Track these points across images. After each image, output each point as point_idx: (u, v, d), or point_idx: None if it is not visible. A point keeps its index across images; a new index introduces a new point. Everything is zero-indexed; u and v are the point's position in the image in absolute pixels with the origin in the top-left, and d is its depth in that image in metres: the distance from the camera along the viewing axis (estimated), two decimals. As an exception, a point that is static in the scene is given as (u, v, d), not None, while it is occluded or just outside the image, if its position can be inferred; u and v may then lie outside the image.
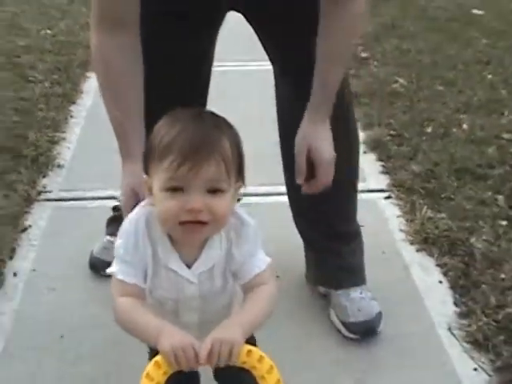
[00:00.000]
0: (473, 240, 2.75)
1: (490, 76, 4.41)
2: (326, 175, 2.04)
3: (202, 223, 1.41)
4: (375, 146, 3.52)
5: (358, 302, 2.30)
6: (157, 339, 1.37)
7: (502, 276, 2.56)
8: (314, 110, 2.04)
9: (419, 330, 2.35)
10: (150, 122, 1.58)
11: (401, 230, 2.86)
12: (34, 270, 2.62)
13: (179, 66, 2.08)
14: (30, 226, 2.88)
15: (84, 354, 2.21)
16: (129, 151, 1.84)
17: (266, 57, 2.27)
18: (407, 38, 5.17)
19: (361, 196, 2.82)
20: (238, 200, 1.53)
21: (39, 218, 2.94)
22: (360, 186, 2.88)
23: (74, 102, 4.07)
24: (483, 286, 2.51)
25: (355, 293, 2.32)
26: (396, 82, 4.33)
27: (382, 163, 3.39)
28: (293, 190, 2.37)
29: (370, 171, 3.30)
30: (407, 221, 2.91)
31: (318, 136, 2.03)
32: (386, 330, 2.32)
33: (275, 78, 2.34)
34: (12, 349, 2.25)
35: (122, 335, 1.51)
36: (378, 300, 2.35)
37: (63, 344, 2.27)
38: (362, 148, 3.30)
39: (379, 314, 2.29)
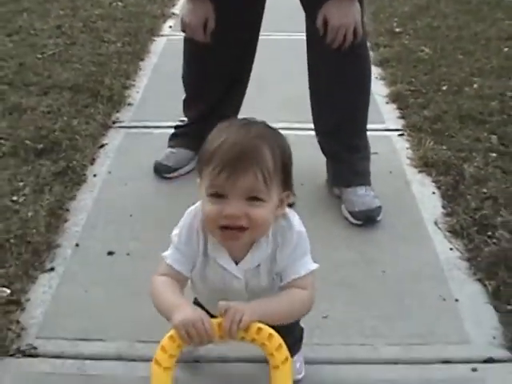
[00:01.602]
0: (465, 166, 3.34)
1: (506, 49, 4.95)
2: (332, 37, 2.66)
3: (241, 229, 1.51)
4: (396, 98, 4.13)
5: (363, 197, 2.93)
6: (171, 315, 1.48)
7: (484, 190, 3.14)
8: None
9: (411, 222, 2.96)
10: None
11: (407, 157, 3.47)
12: (109, 173, 3.29)
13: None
14: (106, 143, 3.56)
15: (149, 225, 2.86)
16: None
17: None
18: (439, 17, 5.72)
19: (379, 134, 3.47)
20: (290, 205, 1.65)
21: (114, 138, 3.62)
22: (379, 126, 3.57)
23: (142, 59, 4.74)
24: (468, 196, 3.10)
25: (361, 190, 2.95)
26: (422, 51, 4.90)
27: (400, 111, 3.99)
28: (316, 112, 3.02)
29: (389, 116, 3.93)
30: (414, 151, 3.51)
31: (333, 7, 2.60)
32: (384, 221, 2.94)
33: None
34: (92, 221, 2.92)
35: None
36: (379, 198, 2.97)
37: (132, 220, 2.93)
38: (384, 100, 3.95)
39: (379, 207, 2.92)
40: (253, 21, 2.97)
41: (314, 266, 1.65)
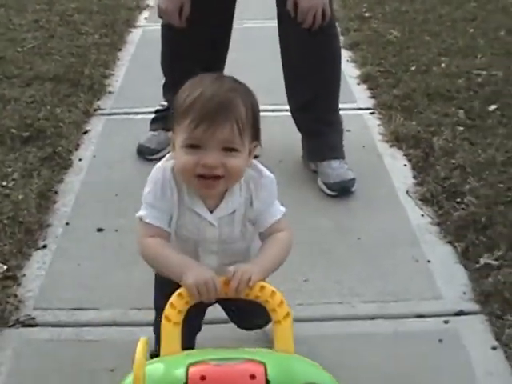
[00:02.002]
0: (434, 139, 3.51)
1: (471, 30, 5.13)
2: (302, 19, 2.86)
3: (216, 178, 1.56)
4: (366, 79, 4.30)
5: (337, 169, 3.09)
6: (181, 274, 1.52)
7: (453, 161, 3.31)
8: None
9: (384, 193, 3.12)
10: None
11: (379, 133, 3.64)
12: (94, 157, 3.43)
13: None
14: (89, 130, 3.69)
15: (135, 203, 3.00)
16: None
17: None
18: (406, 1, 5.88)
19: (351, 112, 3.63)
20: (256, 157, 1.69)
21: (96, 125, 3.76)
22: (351, 106, 3.73)
23: (120, 50, 4.87)
24: (437, 167, 3.27)
25: (335, 163, 3.11)
26: (391, 34, 5.07)
27: (371, 91, 4.15)
28: (290, 89, 3.18)
29: (360, 96, 4.09)
30: (385, 127, 3.68)
31: None
32: (358, 192, 3.10)
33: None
34: (81, 201, 3.06)
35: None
36: (353, 171, 3.13)
37: (118, 198, 3.07)
38: (355, 81, 4.11)
39: (353, 179, 3.08)
40: (227, 6, 3.11)
41: (283, 208, 1.72)
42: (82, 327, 2.34)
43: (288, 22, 2.88)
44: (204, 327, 1.99)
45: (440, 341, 2.27)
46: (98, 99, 4.01)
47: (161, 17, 3.00)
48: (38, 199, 2.94)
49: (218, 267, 1.66)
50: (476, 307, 2.41)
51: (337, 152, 3.13)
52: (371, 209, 2.96)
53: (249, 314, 1.87)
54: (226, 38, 3.25)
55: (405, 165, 3.31)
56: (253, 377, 1.38)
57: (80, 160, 3.35)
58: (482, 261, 2.61)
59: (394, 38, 4.95)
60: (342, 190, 3.02)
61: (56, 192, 3.07)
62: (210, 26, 3.04)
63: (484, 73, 4.27)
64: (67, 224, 2.85)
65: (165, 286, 1.64)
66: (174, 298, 1.51)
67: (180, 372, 1.38)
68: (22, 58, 4.50)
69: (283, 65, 3.13)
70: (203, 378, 1.36)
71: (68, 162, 3.31)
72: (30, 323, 2.35)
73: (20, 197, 2.94)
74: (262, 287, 1.52)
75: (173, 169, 1.63)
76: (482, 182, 3.07)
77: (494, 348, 2.23)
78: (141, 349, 1.38)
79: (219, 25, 3.15)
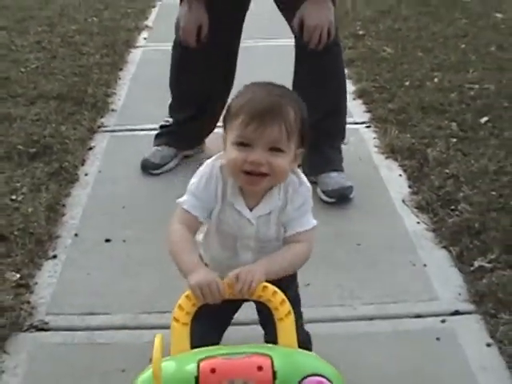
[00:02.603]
0: (428, 150, 3.63)
1: (463, 46, 5.27)
2: (308, 37, 2.93)
3: (262, 175, 1.64)
4: (362, 94, 4.42)
5: (335, 178, 3.20)
6: (186, 275, 1.61)
7: (447, 171, 3.42)
8: None
9: (381, 202, 3.24)
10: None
11: (375, 146, 3.75)
12: (99, 172, 3.54)
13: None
14: (94, 146, 3.80)
15: (141, 215, 3.11)
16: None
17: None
18: (400, 20, 6.04)
19: (347, 126, 3.75)
20: (299, 166, 1.79)
21: (100, 141, 3.87)
22: (347, 120, 3.81)
23: (121, 69, 4.99)
24: (431, 176, 3.38)
25: (334, 174, 3.22)
26: (384, 51, 5.21)
27: (366, 105, 4.28)
28: None
29: (356, 111, 4.21)
30: (380, 140, 3.80)
31: (308, 8, 2.87)
32: (356, 201, 3.21)
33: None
34: (88, 213, 3.17)
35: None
36: (351, 181, 3.24)
37: (124, 211, 3.18)
38: (351, 96, 4.24)
39: (351, 187, 3.18)
40: (238, 25, 3.27)
41: (315, 222, 1.78)
42: (93, 331, 2.43)
43: (297, 40, 3.04)
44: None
45: (437, 339, 2.37)
46: (102, 117, 4.12)
47: (178, 33, 3.11)
48: (47, 212, 3.04)
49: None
50: (471, 307, 2.51)
51: (336, 165, 3.24)
52: (369, 217, 3.07)
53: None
54: (236, 55, 3.38)
55: (400, 175, 3.41)
56: (260, 368, 1.47)
57: (86, 175, 3.46)
58: (476, 264, 2.71)
59: (388, 55, 5.08)
60: (341, 197, 3.14)
61: (64, 205, 3.17)
62: (223, 44, 3.17)
63: (476, 86, 4.39)
64: (76, 235, 2.95)
65: None
66: (182, 300, 1.58)
67: (192, 367, 1.47)
68: (26, 78, 4.62)
69: (293, 83, 3.17)
70: (213, 370, 1.46)
71: (74, 176, 3.41)
72: (43, 327, 2.44)
73: (29, 210, 3.04)
74: (265, 287, 1.59)
75: (221, 166, 1.71)
76: (475, 190, 3.19)
77: (488, 345, 2.33)
78: (158, 345, 1.46)
79: (231, 43, 3.28)
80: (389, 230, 2.99)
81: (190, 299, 1.58)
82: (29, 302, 2.54)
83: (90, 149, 3.72)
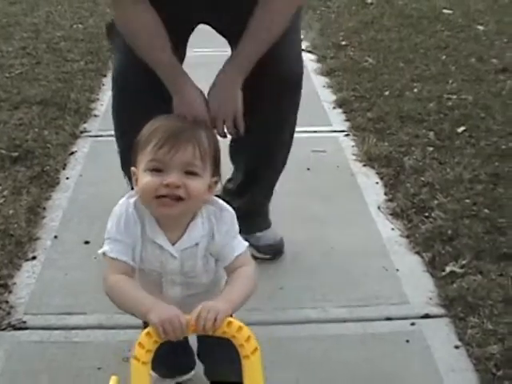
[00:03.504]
0: (405, 158, 3.70)
1: (444, 57, 5.35)
2: (213, 124, 2.30)
3: (177, 199, 1.58)
4: (342, 103, 4.49)
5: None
6: (146, 314, 1.53)
7: (422, 179, 3.49)
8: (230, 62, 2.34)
9: (357, 208, 3.30)
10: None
11: (353, 154, 3.82)
12: (80, 176, 3.59)
13: None
14: (76, 151, 3.85)
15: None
16: (182, 74, 2.32)
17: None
18: (382, 31, 6.12)
19: (326, 135, 3.82)
20: (217, 195, 1.74)
21: (82, 146, 3.92)
22: (326, 128, 3.90)
23: (104, 75, 5.04)
24: (407, 184, 3.44)
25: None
26: (366, 61, 5.29)
27: (346, 114, 4.35)
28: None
29: (335, 119, 4.28)
30: (358, 148, 3.86)
31: (211, 95, 2.34)
32: (332, 207, 3.27)
33: None
34: (68, 216, 3.22)
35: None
36: (328, 190, 3.28)
37: (104, 214, 3.22)
38: (331, 105, 4.31)
39: (282, 239, 2.89)
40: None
41: (246, 242, 1.74)
42: (70, 330, 2.47)
43: None
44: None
45: (407, 341, 2.43)
46: (85, 122, 4.17)
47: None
48: (28, 214, 3.09)
49: (182, 298, 1.73)
50: (441, 311, 2.57)
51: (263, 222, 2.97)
52: (344, 223, 3.13)
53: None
54: None
55: (377, 182, 3.48)
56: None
57: (67, 178, 3.51)
58: (448, 269, 2.77)
59: (370, 65, 5.16)
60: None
61: (44, 208, 3.21)
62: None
63: (454, 97, 4.47)
64: (55, 237, 3.00)
65: None
66: (142, 338, 1.52)
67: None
68: (10, 83, 4.67)
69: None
70: None
71: (56, 180, 3.46)
72: (20, 326, 2.48)
73: (10, 212, 3.09)
74: (229, 323, 1.53)
75: (135, 203, 1.66)
76: (449, 197, 3.25)
77: (456, 347, 2.39)
78: None
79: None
80: (363, 235, 3.04)
81: (152, 336, 1.52)
82: (7, 302, 2.58)
83: (72, 153, 3.77)
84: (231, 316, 1.56)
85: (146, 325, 1.64)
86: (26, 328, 2.48)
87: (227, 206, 1.72)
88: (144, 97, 2.44)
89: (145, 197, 1.62)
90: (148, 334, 1.52)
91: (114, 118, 2.73)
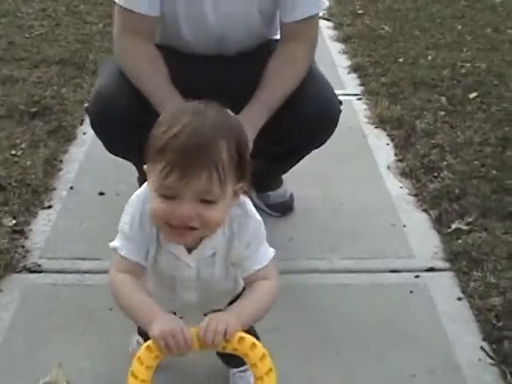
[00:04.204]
0: (417, 122, 3.74)
1: (460, 27, 5.38)
2: None
3: (191, 228, 1.41)
4: (357, 68, 4.54)
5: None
6: (148, 324, 1.39)
7: (433, 141, 3.54)
8: None
9: (367, 168, 3.36)
10: None
11: (365, 116, 3.87)
12: (97, 132, 3.65)
13: None
14: (93, 108, 3.91)
15: (134, 171, 3.20)
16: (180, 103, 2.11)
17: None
18: (399, 1, 6.14)
19: (339, 98, 3.85)
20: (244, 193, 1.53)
21: (99, 104, 3.98)
22: (340, 91, 3.91)
23: (122, 38, 5.11)
24: (417, 146, 3.50)
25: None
26: (382, 29, 5.32)
27: (360, 79, 4.40)
28: None
29: (350, 83, 4.34)
30: (371, 111, 3.91)
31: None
32: (343, 167, 3.33)
33: None
34: (84, 169, 3.30)
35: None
36: (340, 150, 3.34)
37: (119, 168, 3.29)
38: (346, 70, 4.36)
39: (292, 195, 2.95)
40: None
41: (272, 252, 1.59)
42: (83, 274, 2.55)
43: None
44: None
45: (411, 292, 2.49)
46: (100, 82, 4.21)
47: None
48: (45, 166, 3.17)
49: (198, 304, 1.63)
50: (445, 265, 2.63)
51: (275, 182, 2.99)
52: (354, 181, 3.19)
53: None
54: None
55: (387, 144, 3.53)
56: None
57: (84, 134, 3.58)
58: (454, 226, 2.83)
59: (386, 33, 5.19)
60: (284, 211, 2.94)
61: (61, 161, 3.29)
62: None
63: (468, 65, 4.50)
64: (71, 188, 3.08)
65: None
66: (141, 352, 1.37)
67: None
68: (30, 43, 4.74)
69: None
70: None
71: (73, 135, 3.54)
72: (36, 269, 2.56)
73: (28, 163, 3.17)
74: (241, 338, 1.38)
75: None
76: (458, 159, 3.30)
77: (459, 299, 2.46)
78: None
79: None
80: (372, 193, 3.10)
81: (152, 351, 1.36)
82: (23, 247, 2.66)
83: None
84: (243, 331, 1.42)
85: (140, 329, 1.60)
86: (41, 271, 2.56)
87: (254, 212, 1.55)
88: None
89: (155, 221, 1.46)
90: (148, 347, 1.37)
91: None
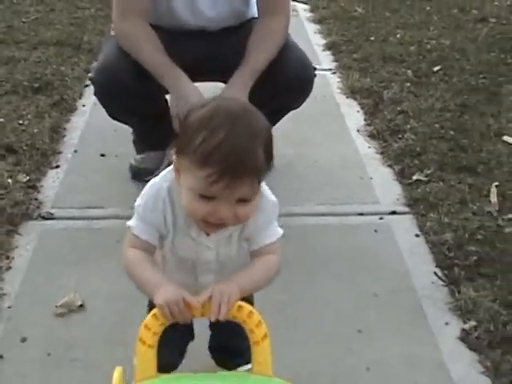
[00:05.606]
0: (385, 92, 4.15)
1: (428, 8, 5.78)
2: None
3: (226, 223, 1.49)
4: (331, 46, 4.94)
5: None
6: (153, 293, 1.46)
7: (399, 108, 3.93)
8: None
9: (339, 131, 3.75)
10: None
11: (338, 88, 4.27)
12: (95, 104, 3.95)
13: None
14: (90, 84, 4.28)
15: (130, 137, 3.59)
16: (179, 71, 2.61)
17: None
18: (373, -16, 6.53)
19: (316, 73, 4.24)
20: None
21: (96, 80, 4.36)
22: (316, 67, 4.31)
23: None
24: (385, 112, 3.90)
25: None
26: (355, 11, 5.72)
27: (334, 56, 4.80)
28: None
29: (325, 60, 4.73)
30: (343, 83, 4.32)
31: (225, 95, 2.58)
32: (316, 130, 3.73)
33: None
34: (86, 135, 3.68)
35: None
36: (315, 115, 3.74)
37: (117, 133, 3.69)
38: (321, 48, 4.76)
39: None
40: None
41: (281, 230, 1.65)
42: (91, 220, 2.93)
43: None
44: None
45: (375, 231, 2.89)
46: (96, 60, 4.58)
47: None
48: (51, 133, 3.54)
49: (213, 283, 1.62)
50: (406, 209, 3.03)
51: None
52: (327, 142, 3.59)
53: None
54: None
55: (358, 111, 3.94)
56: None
57: (83, 106, 3.96)
58: (414, 177, 3.23)
59: (359, 14, 5.59)
60: None
61: (65, 128, 3.68)
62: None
63: (433, 42, 4.91)
64: (75, 151, 3.46)
65: None
66: (148, 320, 1.46)
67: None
68: (28, 27, 5.11)
69: None
70: None
71: (73, 107, 3.92)
72: (49, 217, 2.94)
73: (35, 131, 3.54)
74: (240, 307, 1.46)
75: (169, 190, 1.55)
76: (420, 123, 3.70)
77: (417, 235, 2.85)
78: (117, 380, 1.50)
79: None
80: (343, 151, 3.50)
81: (158, 318, 1.45)
82: (36, 199, 3.04)
83: (87, 86, 4.20)
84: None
85: (151, 306, 1.60)
86: (54, 218, 2.94)
87: (270, 195, 1.61)
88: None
89: (192, 216, 1.52)
90: (154, 315, 1.45)
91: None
